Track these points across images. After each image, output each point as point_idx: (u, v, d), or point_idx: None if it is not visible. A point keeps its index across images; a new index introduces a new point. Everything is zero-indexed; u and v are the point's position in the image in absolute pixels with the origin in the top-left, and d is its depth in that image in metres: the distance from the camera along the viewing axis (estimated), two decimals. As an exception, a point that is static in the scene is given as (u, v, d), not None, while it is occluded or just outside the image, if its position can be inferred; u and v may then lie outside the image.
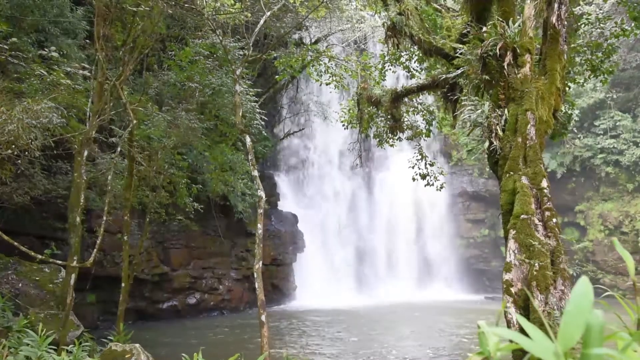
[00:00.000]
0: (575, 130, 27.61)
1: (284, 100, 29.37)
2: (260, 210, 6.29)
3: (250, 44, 7.77)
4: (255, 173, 6.53)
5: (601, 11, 18.62)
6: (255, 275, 5.95)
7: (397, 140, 12.30)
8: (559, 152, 28.28)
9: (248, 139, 6.85)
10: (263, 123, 15.14)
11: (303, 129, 29.37)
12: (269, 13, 7.97)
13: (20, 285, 11.90)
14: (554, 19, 6.45)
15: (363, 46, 26.11)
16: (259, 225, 6.29)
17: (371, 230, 30.44)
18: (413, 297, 26.75)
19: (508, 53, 6.13)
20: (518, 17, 6.91)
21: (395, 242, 30.19)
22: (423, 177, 12.70)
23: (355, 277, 29.02)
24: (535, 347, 0.91)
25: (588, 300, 0.95)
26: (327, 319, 20.57)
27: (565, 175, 28.29)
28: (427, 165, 12.60)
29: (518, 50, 6.13)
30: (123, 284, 9.92)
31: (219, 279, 22.58)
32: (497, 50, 6.19)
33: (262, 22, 7.76)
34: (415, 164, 12.62)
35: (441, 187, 12.66)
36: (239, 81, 7.20)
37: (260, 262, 6.00)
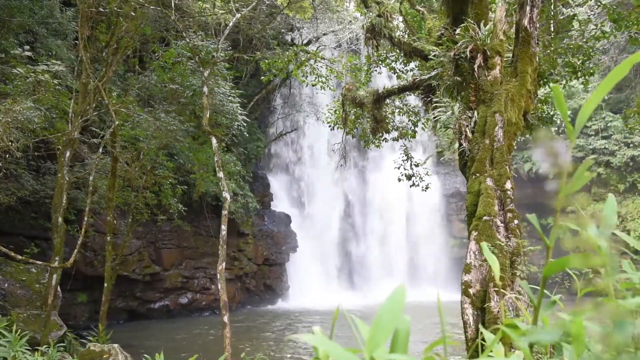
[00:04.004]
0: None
1: (277, 100, 29.39)
2: (225, 212, 6.34)
3: (219, 46, 7.82)
4: (221, 174, 6.58)
5: (592, 12, 18.61)
6: (218, 276, 5.99)
7: (383, 141, 12.35)
8: (552, 152, 28.30)
9: (214, 141, 6.90)
10: (245, 124, 15.15)
11: (296, 129, 29.41)
12: (239, 15, 8.02)
13: (6, 285, 11.90)
14: (525, 21, 6.48)
15: (355, 47, 26.11)
16: (223, 227, 6.34)
17: (364, 231, 30.49)
18: (406, 297, 26.71)
19: (479, 55, 6.16)
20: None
21: (388, 242, 30.24)
22: (409, 177, 12.75)
23: (348, 277, 29.07)
24: (342, 355, 0.94)
25: (399, 306, 0.98)
26: (319, 319, 20.60)
27: (557, 176, 28.31)
28: (413, 166, 12.64)
29: (488, 53, 6.16)
30: (105, 284, 9.95)
31: (210, 279, 22.61)
32: (468, 53, 6.22)
33: (231, 24, 7.80)
34: (401, 164, 12.67)
35: (426, 188, 12.68)
36: (207, 83, 7.25)
37: (224, 264, 6.05)
